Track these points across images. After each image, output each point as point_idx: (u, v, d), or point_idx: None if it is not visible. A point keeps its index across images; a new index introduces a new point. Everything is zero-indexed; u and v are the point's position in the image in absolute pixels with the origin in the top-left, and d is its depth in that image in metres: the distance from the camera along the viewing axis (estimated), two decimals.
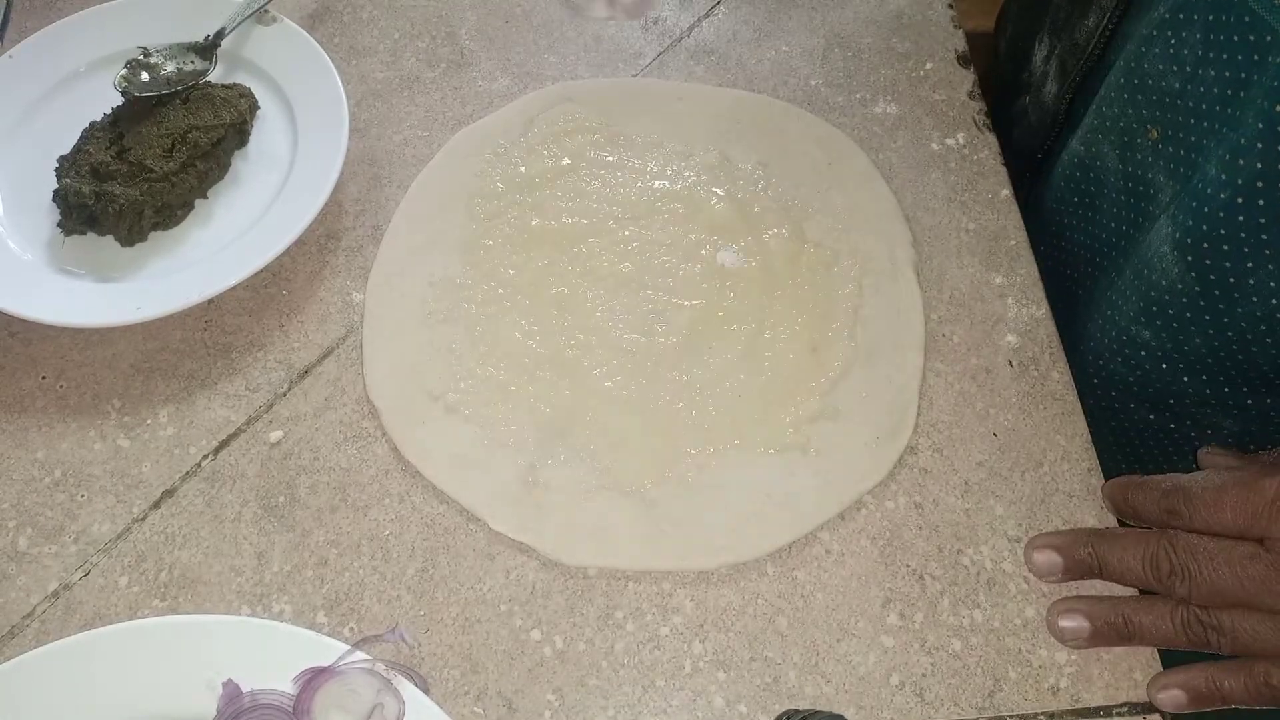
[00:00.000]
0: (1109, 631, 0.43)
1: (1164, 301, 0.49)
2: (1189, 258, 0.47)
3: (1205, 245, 0.46)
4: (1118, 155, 0.53)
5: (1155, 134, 0.50)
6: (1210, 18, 0.45)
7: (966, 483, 0.50)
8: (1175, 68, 0.48)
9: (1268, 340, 0.46)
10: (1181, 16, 0.47)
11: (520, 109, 0.62)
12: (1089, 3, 0.55)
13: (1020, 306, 0.55)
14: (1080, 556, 0.45)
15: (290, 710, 0.41)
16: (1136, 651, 0.45)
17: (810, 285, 0.54)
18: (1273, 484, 0.40)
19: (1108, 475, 0.49)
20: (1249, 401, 0.50)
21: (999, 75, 0.71)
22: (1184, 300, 0.48)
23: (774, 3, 0.67)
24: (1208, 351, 0.49)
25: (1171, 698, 0.42)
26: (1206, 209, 0.45)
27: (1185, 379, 0.51)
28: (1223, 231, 0.45)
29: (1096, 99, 0.55)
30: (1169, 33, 0.48)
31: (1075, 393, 0.52)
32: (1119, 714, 0.44)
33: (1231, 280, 0.45)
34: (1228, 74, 0.44)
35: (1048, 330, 0.54)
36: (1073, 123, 0.59)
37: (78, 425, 0.52)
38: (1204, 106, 0.46)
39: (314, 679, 0.42)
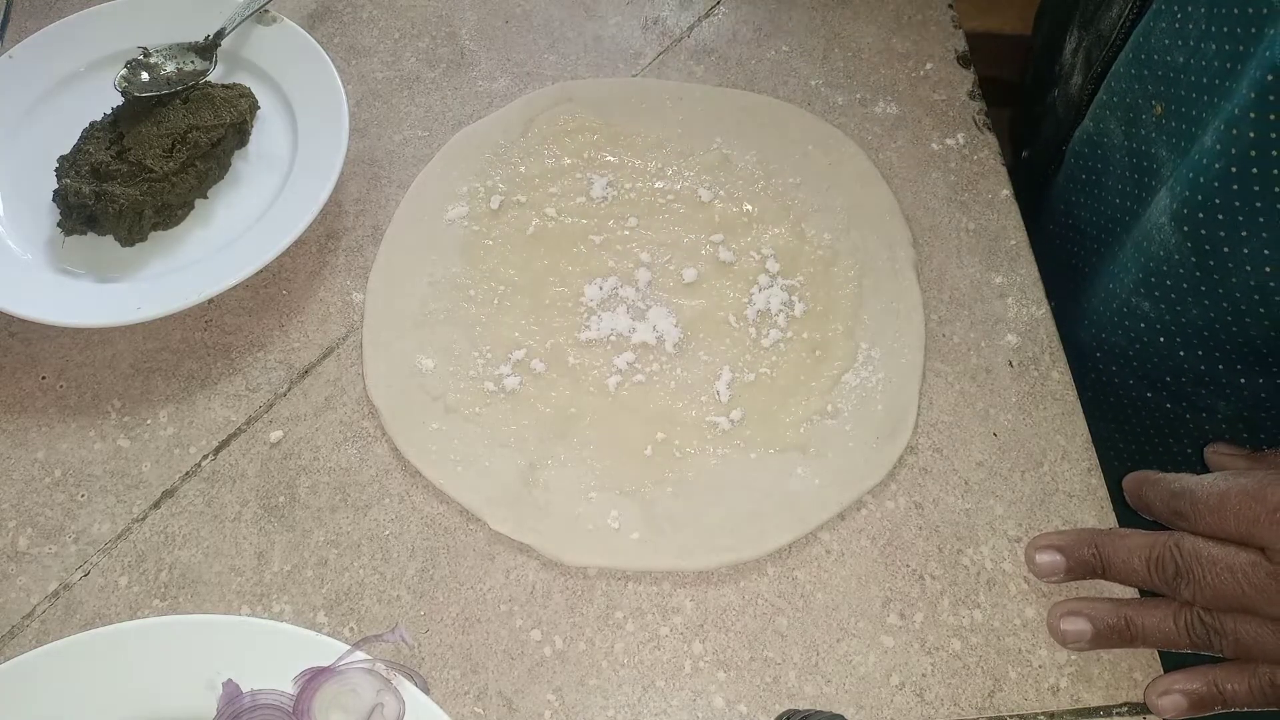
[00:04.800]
0: (1111, 634, 0.44)
1: (1162, 272, 0.50)
2: (1185, 228, 0.47)
3: (1200, 215, 0.46)
4: (1123, 132, 0.54)
5: (1160, 110, 0.50)
6: None
7: (966, 483, 0.50)
8: (1180, 42, 0.48)
9: (1260, 310, 0.47)
10: None
11: (520, 109, 0.61)
12: None
13: (1020, 306, 0.55)
14: (1083, 556, 0.45)
15: (290, 710, 0.41)
16: (1136, 652, 0.45)
17: (810, 285, 0.54)
18: (1275, 495, 0.40)
19: (1102, 454, 0.50)
20: (1242, 381, 0.51)
21: (1034, 70, 0.71)
22: (1181, 270, 0.49)
23: (774, 3, 0.67)
24: (1204, 324, 0.49)
25: (1172, 703, 0.42)
26: (1202, 179, 0.45)
27: (1182, 353, 0.52)
28: (1217, 201, 0.45)
29: (1108, 76, 0.55)
30: (1174, 8, 0.48)
31: (1075, 393, 0.52)
32: (1119, 714, 0.44)
33: (1226, 249, 0.46)
34: (1228, 47, 0.45)
35: (1048, 330, 0.54)
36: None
37: (78, 425, 0.52)
38: (1205, 80, 0.46)
39: (314, 679, 0.42)
